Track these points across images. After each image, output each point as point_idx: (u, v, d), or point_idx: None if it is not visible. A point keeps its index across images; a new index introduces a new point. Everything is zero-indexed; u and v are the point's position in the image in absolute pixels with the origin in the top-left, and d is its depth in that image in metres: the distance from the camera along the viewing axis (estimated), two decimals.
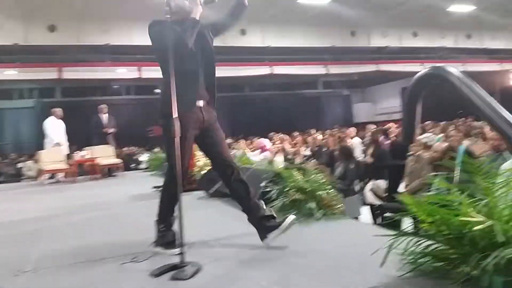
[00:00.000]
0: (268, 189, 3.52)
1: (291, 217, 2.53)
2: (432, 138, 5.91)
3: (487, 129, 5.28)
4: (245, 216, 2.67)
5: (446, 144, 4.16)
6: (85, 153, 8.57)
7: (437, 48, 17.59)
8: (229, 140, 10.20)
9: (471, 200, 1.77)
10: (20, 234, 3.51)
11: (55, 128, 8.48)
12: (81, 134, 11.11)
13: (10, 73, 13.22)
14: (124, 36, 13.56)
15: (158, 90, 6.87)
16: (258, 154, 8.47)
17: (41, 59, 13.36)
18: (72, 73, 13.24)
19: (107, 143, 8.73)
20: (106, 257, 2.53)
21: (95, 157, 8.33)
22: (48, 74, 13.18)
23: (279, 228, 2.49)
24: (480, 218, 1.64)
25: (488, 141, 5.22)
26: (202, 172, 5.67)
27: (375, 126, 9.13)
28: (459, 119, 12.35)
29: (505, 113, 0.97)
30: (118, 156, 9.26)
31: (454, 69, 1.10)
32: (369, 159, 5.90)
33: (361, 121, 21.36)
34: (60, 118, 8.59)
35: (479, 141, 5.56)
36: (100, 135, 8.75)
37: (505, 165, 2.36)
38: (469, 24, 17.01)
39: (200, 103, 2.57)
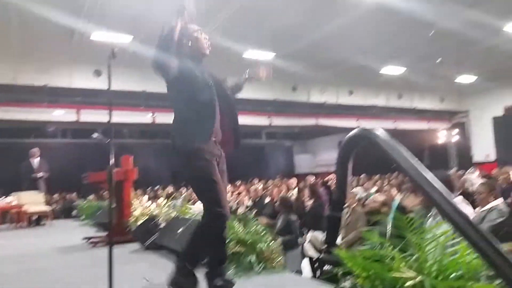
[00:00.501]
0: None
1: None
2: (359, 191, 6.19)
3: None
4: None
5: (383, 197, 4.34)
6: (11, 199, 7.92)
7: (371, 106, 18.84)
8: (170, 189, 9.97)
9: (403, 255, 1.84)
10: None
11: None
12: (10, 179, 10.31)
13: None
14: (64, 78, 13.17)
15: (96, 135, 6.65)
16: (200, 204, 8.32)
17: None
18: (6, 114, 12.48)
19: (36, 189, 8.16)
20: None
21: (22, 204, 7.71)
22: None
23: None
24: (411, 273, 1.69)
25: (418, 196, 5.53)
26: (139, 223, 5.44)
27: (314, 178, 9.41)
28: (392, 173, 13.08)
29: (427, 174, 1.05)
30: (48, 203, 8.66)
31: (382, 131, 1.19)
32: (308, 210, 6.00)
33: (302, 172, 21.92)
34: None
35: (410, 195, 5.88)
36: (29, 180, 8.18)
37: (430, 222, 2.51)
38: (400, 85, 18.51)
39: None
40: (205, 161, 2.34)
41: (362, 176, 12.08)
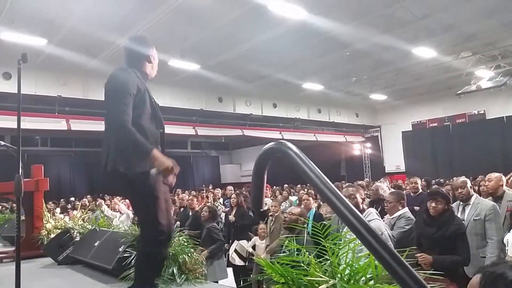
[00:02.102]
0: (126, 254, 3.28)
1: None
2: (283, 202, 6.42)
3: None
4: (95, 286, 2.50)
5: (298, 209, 4.54)
6: None
7: (293, 118, 19.59)
8: (86, 201, 9.41)
9: (318, 260, 1.94)
10: None
11: None
12: None
13: None
14: None
15: (2, 143, 6.07)
16: (118, 217, 7.99)
17: None
18: None
19: None
20: None
21: None
22: None
23: None
24: (325, 278, 1.79)
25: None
26: (51, 236, 5.07)
27: (231, 188, 9.49)
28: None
29: (329, 185, 1.16)
30: None
31: (293, 145, 1.30)
32: (232, 218, 6.05)
33: (228, 181, 22.02)
34: None
35: (324, 204, 6.22)
36: None
37: (345, 228, 2.67)
38: (320, 100, 19.50)
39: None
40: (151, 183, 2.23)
41: (285, 186, 12.49)
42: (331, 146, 21.05)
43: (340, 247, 1.98)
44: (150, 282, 2.42)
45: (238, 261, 5.81)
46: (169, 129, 16.06)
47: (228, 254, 5.79)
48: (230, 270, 5.63)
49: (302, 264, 1.94)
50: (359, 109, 21.94)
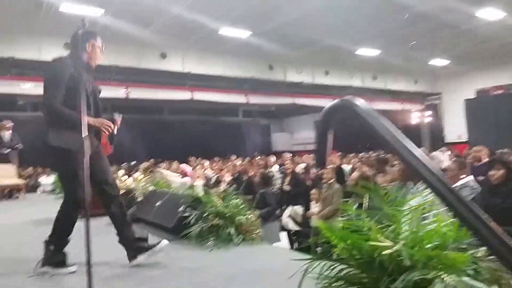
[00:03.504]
0: (186, 214, 3.44)
1: (164, 242, 2.73)
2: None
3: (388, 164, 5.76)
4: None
5: (359, 172, 4.46)
6: None
7: (347, 86, 19.04)
8: (146, 164, 9.86)
9: (380, 226, 1.90)
10: None
11: None
12: None
13: None
14: (32, 50, 12.64)
15: None
16: (179, 177, 8.33)
17: None
18: None
19: (8, 162, 7.92)
20: None
21: None
22: None
23: (149, 251, 2.68)
24: (388, 243, 1.75)
25: (388, 174, 5.72)
26: None
27: (290, 155, 9.52)
28: (366, 152, 13.41)
29: (408, 143, 1.07)
30: (20, 177, 8.44)
31: (362, 101, 1.21)
32: (286, 186, 6.09)
33: (280, 150, 22.10)
34: None
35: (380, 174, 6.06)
36: (0, 153, 7.91)
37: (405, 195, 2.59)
38: (375, 66, 18.72)
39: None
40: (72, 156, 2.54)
41: (338, 154, 12.31)
42: (387, 114, 20.09)
43: (402, 214, 1.93)
44: (58, 236, 2.75)
45: (292, 226, 5.88)
46: (221, 97, 16.32)
47: (281, 219, 5.86)
48: (283, 236, 5.73)
49: (362, 229, 1.91)
50: (418, 75, 20.84)
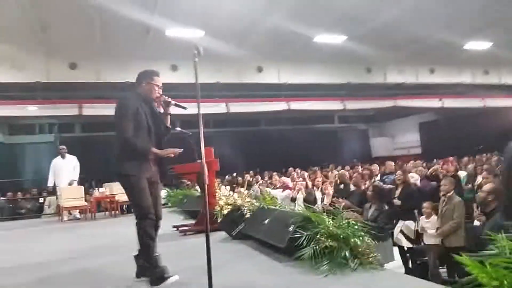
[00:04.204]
0: (296, 235, 3.32)
1: (175, 277, 2.95)
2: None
3: None
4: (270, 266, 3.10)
5: (490, 185, 3.94)
6: (104, 190, 8.52)
7: (455, 84, 17.50)
8: (248, 177, 10.09)
9: None
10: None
11: (57, 168, 8.39)
12: (99, 170, 11.14)
13: (32, 109, 13.49)
14: None
15: (178, 129, 6.81)
16: (281, 192, 8.34)
17: (62, 96, 13.65)
18: (92, 110, 13.37)
19: None
20: None
21: (114, 194, 8.25)
22: (69, 110, 13.37)
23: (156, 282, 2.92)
24: None
25: None
26: (223, 211, 5.54)
27: (393, 163, 8.91)
28: (481, 154, 12.11)
29: None
30: None
31: None
32: (397, 200, 5.68)
33: (380, 155, 21.10)
34: (71, 154, 8.51)
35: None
36: None
37: None
38: (486, 60, 16.95)
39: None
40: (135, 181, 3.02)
41: (451, 159, 11.30)
42: (502, 112, 18.17)
43: None
44: (146, 253, 3.07)
45: (405, 243, 5.46)
46: (317, 105, 16.09)
47: (392, 235, 5.47)
48: (396, 252, 5.34)
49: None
50: None
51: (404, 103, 16.63)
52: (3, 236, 6.65)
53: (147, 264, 3.04)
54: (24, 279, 3.49)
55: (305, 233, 3.28)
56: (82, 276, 3.52)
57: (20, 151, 15.98)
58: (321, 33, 12.40)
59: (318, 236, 3.20)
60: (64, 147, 8.48)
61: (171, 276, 2.95)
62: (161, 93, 3.35)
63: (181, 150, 3.28)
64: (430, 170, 7.19)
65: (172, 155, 3.21)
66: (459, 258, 1.68)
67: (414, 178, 5.90)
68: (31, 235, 6.72)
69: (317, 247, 3.13)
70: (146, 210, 3.01)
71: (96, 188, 9.17)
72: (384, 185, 5.53)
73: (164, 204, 10.29)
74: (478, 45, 14.73)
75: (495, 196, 3.61)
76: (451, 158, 10.48)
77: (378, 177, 7.74)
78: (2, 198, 11.24)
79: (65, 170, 8.37)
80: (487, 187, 3.96)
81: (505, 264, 1.58)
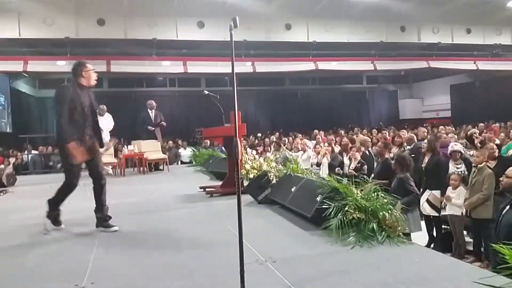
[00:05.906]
0: (324, 206, 3.34)
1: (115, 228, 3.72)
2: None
3: None
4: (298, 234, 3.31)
5: None
6: (132, 148, 8.73)
7: (492, 45, 16.60)
8: (274, 139, 10.10)
9: None
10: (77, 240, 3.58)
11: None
12: (127, 127, 11.39)
13: (61, 64, 13.66)
14: (169, 31, 13.72)
15: (206, 92, 6.87)
16: (301, 155, 8.37)
17: (90, 52, 13.74)
18: (120, 67, 13.48)
19: (154, 138, 8.87)
20: None
21: (143, 152, 8.46)
22: (97, 67, 13.45)
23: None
24: None
25: None
26: (249, 175, 5.61)
27: (425, 130, 8.71)
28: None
29: None
30: (162, 150, 9.41)
31: None
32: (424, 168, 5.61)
33: (407, 117, 20.62)
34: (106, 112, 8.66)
35: None
36: (147, 130, 8.89)
37: None
38: None
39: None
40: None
41: (480, 125, 10.98)
42: None
43: None
44: (55, 202, 3.86)
45: (430, 211, 5.45)
46: (346, 65, 15.68)
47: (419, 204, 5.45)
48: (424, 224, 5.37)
49: None
50: None
51: (437, 65, 15.98)
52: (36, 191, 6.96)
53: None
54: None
55: (332, 204, 3.30)
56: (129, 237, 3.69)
57: (50, 105, 16.37)
58: None
59: (346, 208, 3.22)
60: (104, 107, 8.58)
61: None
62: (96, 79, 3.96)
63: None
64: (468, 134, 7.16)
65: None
66: (498, 248, 1.67)
67: (458, 146, 5.77)
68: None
69: (345, 218, 3.16)
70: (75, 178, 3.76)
71: (125, 146, 9.42)
72: (406, 155, 5.44)
73: (188, 163, 10.56)
74: None
75: None
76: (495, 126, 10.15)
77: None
78: (34, 151, 11.65)
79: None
80: (510, 171, 3.85)
81: None
